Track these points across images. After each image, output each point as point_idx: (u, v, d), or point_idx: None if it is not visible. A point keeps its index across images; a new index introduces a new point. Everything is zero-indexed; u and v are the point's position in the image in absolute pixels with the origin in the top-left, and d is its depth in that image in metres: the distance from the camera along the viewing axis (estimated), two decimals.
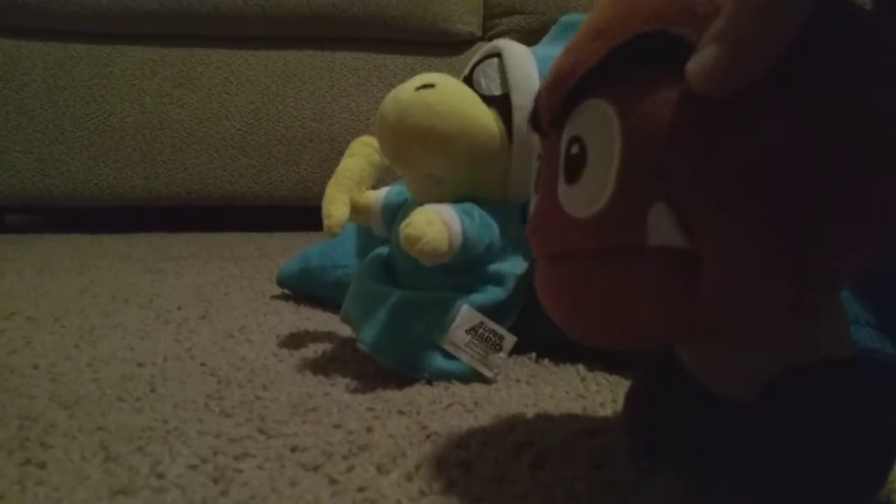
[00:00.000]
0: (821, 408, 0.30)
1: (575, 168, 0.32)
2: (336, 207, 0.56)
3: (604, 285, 0.31)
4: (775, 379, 0.31)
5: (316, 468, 0.39)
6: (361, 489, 0.37)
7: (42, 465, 0.40)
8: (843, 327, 0.33)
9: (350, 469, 0.39)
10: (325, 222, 0.55)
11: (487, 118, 0.53)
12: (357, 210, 0.59)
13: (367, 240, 0.75)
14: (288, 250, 1.11)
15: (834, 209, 0.27)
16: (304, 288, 0.84)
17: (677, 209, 0.28)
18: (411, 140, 0.52)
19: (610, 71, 0.30)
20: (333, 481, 0.38)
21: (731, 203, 0.27)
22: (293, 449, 0.42)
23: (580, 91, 0.32)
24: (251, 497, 0.36)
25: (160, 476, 0.38)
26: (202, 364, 0.59)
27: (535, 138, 0.44)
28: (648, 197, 0.29)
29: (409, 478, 0.38)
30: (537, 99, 0.36)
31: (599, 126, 0.31)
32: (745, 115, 0.27)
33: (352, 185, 0.58)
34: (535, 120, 0.37)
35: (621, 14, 0.30)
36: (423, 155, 0.52)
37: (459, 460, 0.40)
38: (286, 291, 0.87)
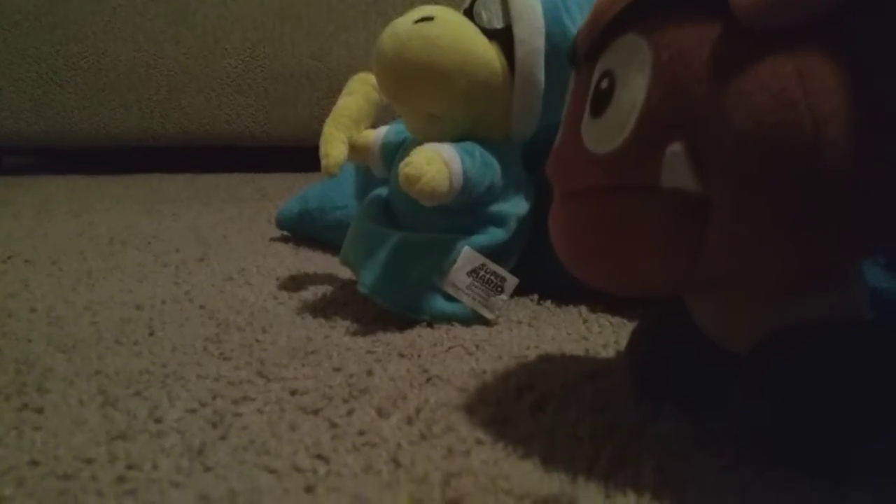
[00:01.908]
0: (804, 365, 0.29)
1: (602, 102, 0.31)
2: (334, 147, 0.54)
3: (612, 225, 0.30)
4: (767, 335, 0.31)
5: (316, 412, 0.39)
6: (361, 432, 0.36)
7: (39, 410, 0.39)
8: (857, 287, 0.32)
9: (350, 412, 0.39)
10: (323, 162, 0.54)
11: (488, 53, 0.51)
12: (355, 150, 0.58)
13: (366, 180, 0.74)
14: (287, 191, 1.10)
15: (873, 186, 0.26)
16: (304, 229, 0.83)
17: (694, 150, 0.27)
18: (410, 76, 0.50)
19: (650, 6, 0.29)
20: (333, 425, 0.37)
21: (749, 156, 0.26)
22: (293, 392, 0.41)
23: (619, 25, 0.31)
24: (250, 441, 0.36)
25: (158, 420, 0.38)
26: (201, 307, 0.58)
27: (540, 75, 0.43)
28: (668, 135, 0.28)
29: (409, 421, 0.37)
30: (577, 33, 0.35)
31: (633, 60, 0.30)
32: (782, 61, 0.26)
33: (350, 123, 0.56)
34: (572, 54, 0.36)
35: None
36: (422, 92, 0.51)
37: (460, 403, 0.39)
38: (285, 233, 0.86)
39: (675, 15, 0.29)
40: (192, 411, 0.39)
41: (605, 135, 0.31)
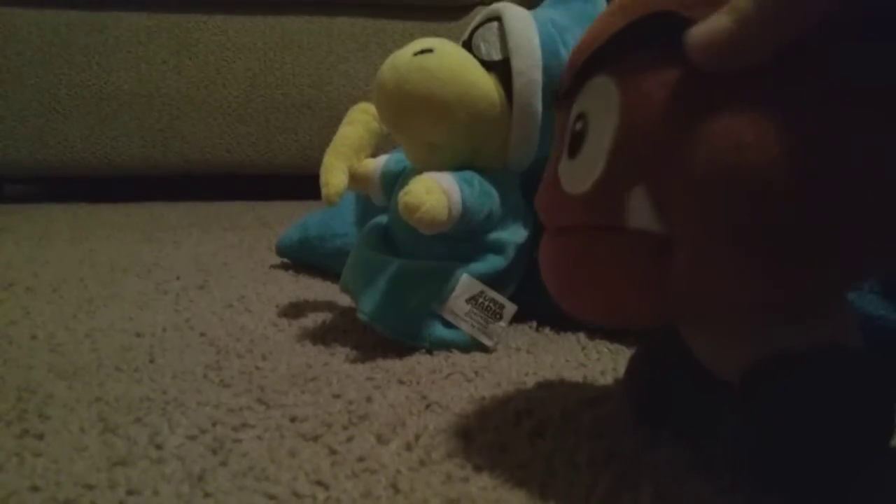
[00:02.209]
0: (790, 392, 0.29)
1: (576, 144, 0.32)
2: (334, 176, 0.55)
3: (590, 263, 0.31)
4: (755, 364, 0.31)
5: (315, 438, 0.39)
6: (361, 459, 0.36)
7: (40, 437, 0.39)
8: (842, 316, 0.33)
9: (350, 439, 0.39)
10: (324, 191, 0.54)
11: (487, 84, 0.52)
12: (355, 179, 0.58)
13: (366, 208, 0.74)
14: (287, 219, 1.10)
15: (825, 219, 0.26)
16: (304, 257, 0.83)
17: (655, 194, 0.28)
18: (410, 107, 0.51)
19: (623, 48, 0.30)
20: (333, 451, 0.37)
21: (707, 197, 0.27)
22: (292, 419, 0.41)
23: (593, 66, 0.32)
24: (250, 467, 0.36)
25: (159, 447, 0.38)
26: (201, 334, 0.59)
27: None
28: (632, 178, 0.29)
29: (408, 447, 0.38)
30: (560, 74, 0.36)
31: (602, 102, 0.30)
32: (736, 104, 0.26)
33: (350, 153, 0.57)
34: (552, 95, 0.36)
35: None
36: (422, 122, 0.52)
37: (459, 429, 0.39)
38: (285, 261, 0.87)
39: (642, 57, 0.29)
40: (193, 438, 0.39)
41: (579, 176, 0.32)
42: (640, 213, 0.29)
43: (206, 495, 0.33)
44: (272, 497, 0.33)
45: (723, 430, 0.33)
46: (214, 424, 0.41)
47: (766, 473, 0.30)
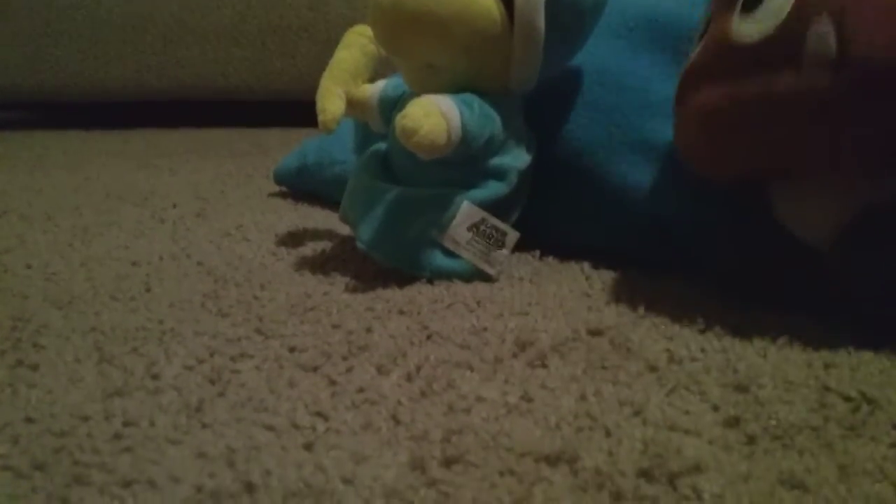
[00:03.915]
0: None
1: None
2: (331, 102, 0.53)
3: (754, 110, 0.37)
4: (849, 222, 0.37)
5: (315, 369, 0.38)
6: (361, 390, 0.36)
7: (34, 367, 0.39)
8: None
9: (349, 369, 0.38)
10: (320, 118, 0.53)
11: (487, 1, 0.49)
12: (353, 105, 0.56)
13: (365, 135, 0.72)
14: (286, 146, 1.08)
15: None
16: (302, 185, 0.82)
17: (839, 27, 0.33)
18: (406, 27, 0.49)
19: None
20: (332, 382, 0.37)
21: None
22: (291, 349, 0.41)
23: None
24: (248, 398, 0.35)
25: (155, 377, 0.38)
26: (198, 263, 0.58)
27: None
28: (818, 7, 0.34)
29: (409, 378, 0.37)
30: None
31: None
32: None
33: (347, 77, 0.55)
34: None
35: None
36: (420, 42, 0.49)
37: (461, 360, 0.39)
38: (284, 189, 0.85)
39: None
40: (190, 368, 0.39)
41: (758, 25, 0.37)
42: (820, 40, 0.34)
43: (204, 426, 0.33)
44: (270, 428, 0.32)
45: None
46: (212, 354, 0.40)
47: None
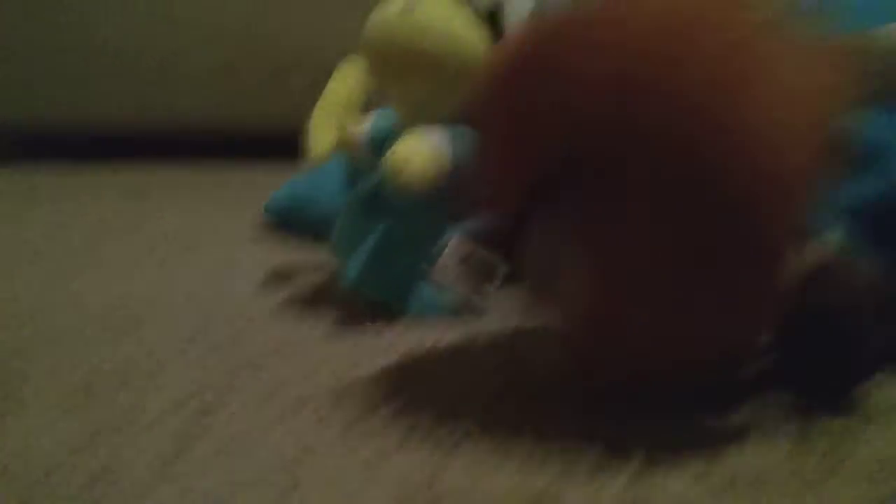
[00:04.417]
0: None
1: None
2: (321, 136, 0.54)
3: None
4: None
5: (302, 405, 0.38)
6: (347, 426, 0.36)
7: (21, 401, 0.39)
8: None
9: (336, 406, 0.38)
10: (310, 153, 0.53)
11: (476, 37, 0.50)
12: (343, 143, 0.57)
13: (355, 170, 0.73)
14: (278, 180, 1.08)
15: None
16: (294, 219, 0.82)
17: None
18: (397, 63, 0.50)
19: None
20: (320, 418, 0.37)
21: None
22: (279, 385, 0.41)
23: None
24: (236, 433, 0.35)
25: (143, 412, 0.38)
26: (187, 298, 0.58)
27: None
28: None
29: (395, 415, 0.37)
30: None
31: None
32: None
33: (339, 110, 0.56)
34: None
35: None
36: (410, 78, 0.50)
37: (448, 398, 0.39)
38: (275, 223, 0.85)
39: None
40: (178, 403, 0.39)
41: None
42: None
43: (190, 463, 0.33)
44: (258, 462, 0.32)
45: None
46: (200, 389, 0.40)
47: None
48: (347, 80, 0.56)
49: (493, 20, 0.51)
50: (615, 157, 0.31)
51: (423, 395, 0.39)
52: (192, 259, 0.70)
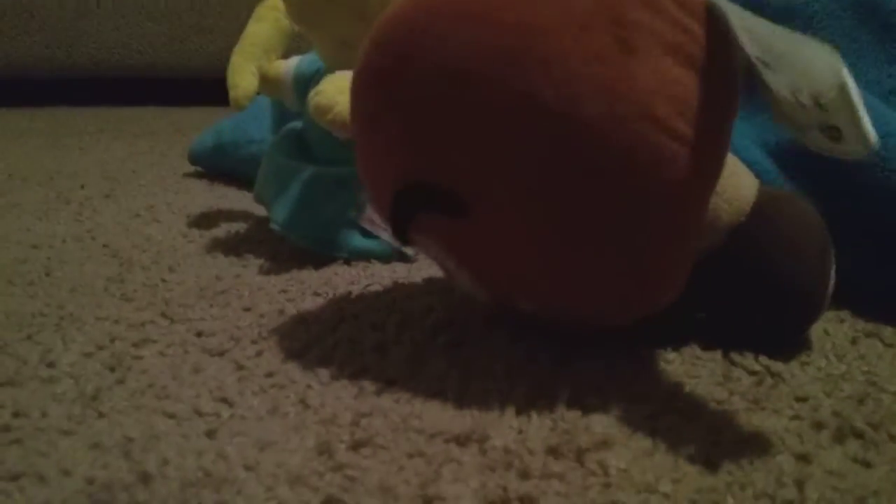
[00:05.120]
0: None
1: None
2: (242, 78, 0.51)
3: None
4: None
5: (222, 353, 0.37)
6: (269, 374, 0.35)
7: None
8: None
9: (259, 353, 0.37)
10: (231, 94, 0.51)
11: None
12: (266, 82, 0.54)
13: (281, 113, 0.70)
14: (201, 125, 1.04)
15: None
16: (218, 165, 0.79)
17: None
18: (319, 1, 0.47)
19: None
20: (240, 367, 0.36)
21: None
22: (198, 334, 0.39)
23: None
24: (149, 385, 0.34)
25: (50, 365, 0.36)
26: (104, 245, 0.55)
27: None
28: None
29: (320, 362, 0.36)
30: None
31: None
32: None
33: (259, 52, 0.53)
34: None
35: None
36: (333, 15, 0.48)
37: (375, 343, 0.38)
38: (199, 169, 0.82)
39: None
40: (88, 355, 0.37)
41: None
42: None
43: (100, 415, 0.31)
44: (171, 416, 0.31)
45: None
46: (113, 340, 0.38)
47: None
48: (266, 23, 0.54)
49: None
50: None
51: (350, 341, 0.38)
52: (110, 206, 0.67)
